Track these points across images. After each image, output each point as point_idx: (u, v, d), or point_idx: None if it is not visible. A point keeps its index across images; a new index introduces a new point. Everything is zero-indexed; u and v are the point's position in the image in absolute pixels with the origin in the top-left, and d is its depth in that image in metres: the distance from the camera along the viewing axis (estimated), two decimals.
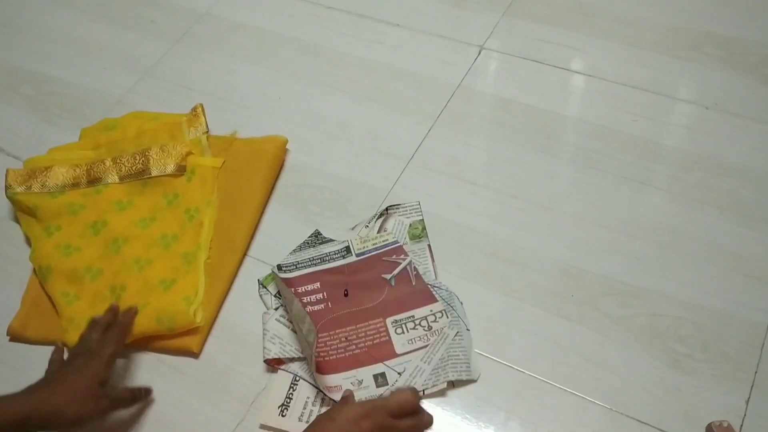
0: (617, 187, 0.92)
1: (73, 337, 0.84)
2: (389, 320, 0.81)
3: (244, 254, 0.90)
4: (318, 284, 0.84)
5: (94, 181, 0.97)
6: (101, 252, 0.90)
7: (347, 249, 0.87)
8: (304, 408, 0.76)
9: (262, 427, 0.76)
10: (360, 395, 0.75)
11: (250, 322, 0.84)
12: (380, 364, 0.78)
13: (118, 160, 0.98)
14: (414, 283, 0.84)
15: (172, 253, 0.90)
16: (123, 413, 0.77)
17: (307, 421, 0.75)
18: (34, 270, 0.91)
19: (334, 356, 0.78)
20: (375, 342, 0.80)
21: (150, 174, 0.97)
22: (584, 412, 0.74)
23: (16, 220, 0.97)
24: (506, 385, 0.77)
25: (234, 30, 1.20)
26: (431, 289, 0.83)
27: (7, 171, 0.98)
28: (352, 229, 0.91)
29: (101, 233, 0.92)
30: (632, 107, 1.01)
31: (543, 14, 1.15)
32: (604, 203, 0.91)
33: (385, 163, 0.98)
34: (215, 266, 0.88)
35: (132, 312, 0.80)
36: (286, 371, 0.79)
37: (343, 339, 0.80)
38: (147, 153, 0.98)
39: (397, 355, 0.78)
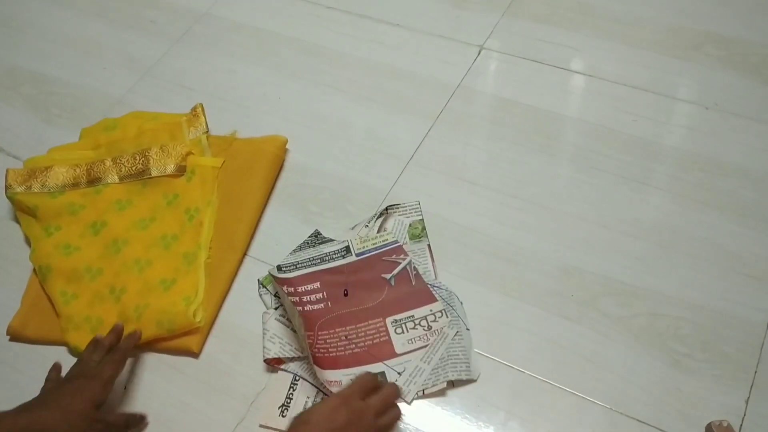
0: (617, 187, 0.92)
1: (72, 336, 0.84)
2: (389, 320, 0.81)
3: (244, 254, 0.90)
4: (318, 284, 0.84)
5: (94, 181, 0.97)
6: (101, 252, 0.90)
7: (347, 249, 0.87)
8: (305, 408, 0.76)
9: (262, 427, 0.76)
10: None
11: (250, 322, 0.84)
12: (380, 364, 0.78)
13: (118, 161, 0.98)
14: (414, 283, 0.84)
15: (173, 253, 0.90)
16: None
17: None
18: (34, 270, 0.91)
19: (334, 353, 0.78)
20: (375, 342, 0.80)
21: (150, 174, 0.97)
22: (584, 412, 0.75)
23: (16, 220, 0.97)
24: (506, 385, 0.77)
25: (234, 30, 1.20)
26: (431, 289, 0.83)
27: (7, 171, 0.98)
28: (352, 228, 0.91)
29: (101, 233, 0.92)
30: (632, 107, 1.01)
31: (543, 14, 1.15)
32: (604, 203, 0.91)
33: (385, 163, 0.98)
34: (215, 266, 0.88)
35: (136, 336, 0.80)
36: (286, 371, 0.79)
37: (343, 338, 0.80)
38: (147, 153, 0.98)
39: (397, 355, 0.78)
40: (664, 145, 0.96)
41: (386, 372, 0.77)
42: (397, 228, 0.90)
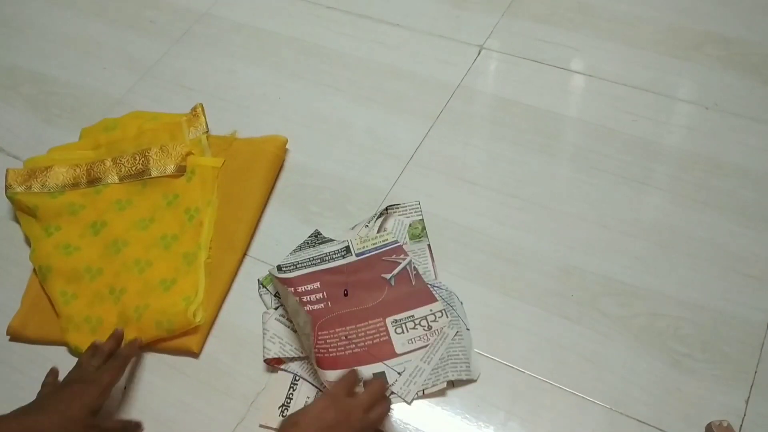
0: (617, 187, 0.92)
1: (72, 336, 0.84)
2: (389, 320, 0.81)
3: (244, 254, 0.90)
4: (318, 284, 0.84)
5: (94, 181, 0.97)
6: (101, 252, 0.90)
7: (347, 249, 0.87)
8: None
9: (262, 427, 0.76)
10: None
11: (250, 322, 0.84)
12: (380, 364, 0.78)
13: (118, 161, 0.98)
14: (414, 283, 0.84)
15: (173, 253, 0.90)
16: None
17: None
18: (34, 270, 0.91)
19: (334, 353, 0.78)
20: (375, 341, 0.80)
21: (150, 175, 0.97)
22: (584, 412, 0.75)
23: (16, 220, 0.97)
24: (506, 384, 0.77)
25: (234, 30, 1.20)
26: (431, 289, 0.83)
27: (7, 171, 0.98)
28: (352, 228, 0.91)
29: (101, 233, 0.92)
30: (632, 107, 1.01)
31: (543, 14, 1.15)
32: (604, 203, 0.91)
33: (385, 163, 0.98)
34: (215, 266, 0.88)
35: (137, 344, 0.80)
36: (286, 371, 0.79)
37: (343, 338, 0.80)
38: (147, 153, 0.98)
39: (397, 355, 0.78)
40: (664, 145, 0.96)
41: (386, 372, 0.77)
42: (397, 228, 0.90)
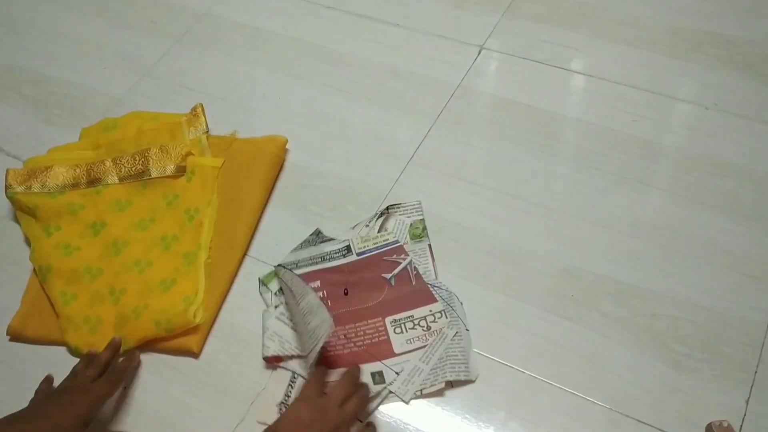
0: (617, 187, 0.92)
1: (72, 337, 0.84)
2: (388, 319, 0.81)
3: (244, 254, 0.90)
4: (318, 283, 0.84)
5: (94, 181, 0.97)
6: (101, 252, 0.90)
7: (348, 248, 0.87)
8: None
9: (261, 424, 0.76)
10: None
11: (250, 322, 0.84)
12: (378, 363, 0.78)
13: (118, 161, 0.98)
14: (414, 283, 0.84)
15: (173, 253, 0.90)
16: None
17: None
18: (34, 270, 0.91)
19: (333, 353, 0.78)
20: (374, 341, 0.80)
21: (150, 175, 0.97)
22: (584, 412, 0.75)
23: (16, 220, 0.97)
24: (506, 384, 0.77)
25: (234, 30, 1.20)
26: (431, 289, 0.83)
27: (7, 171, 0.98)
28: (353, 228, 0.91)
29: (101, 234, 0.92)
30: (632, 107, 1.01)
31: (543, 14, 1.15)
32: (604, 203, 0.91)
33: (385, 163, 0.98)
34: (215, 266, 0.88)
35: (135, 358, 0.80)
36: (286, 368, 0.79)
37: (342, 337, 0.80)
38: (147, 154, 0.98)
39: (396, 355, 0.78)
40: (664, 145, 0.96)
41: (384, 371, 0.77)
42: (398, 228, 0.90)
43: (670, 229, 0.87)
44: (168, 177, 0.96)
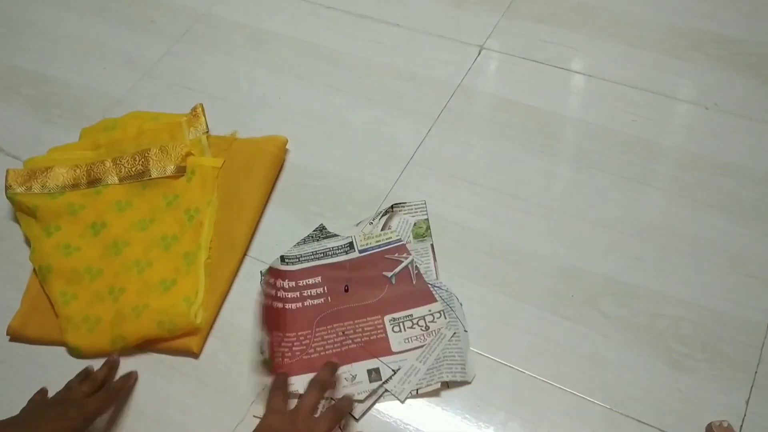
0: (617, 187, 0.92)
1: (71, 336, 0.84)
2: (387, 318, 0.81)
3: (244, 254, 0.90)
4: (319, 278, 0.84)
5: (94, 181, 0.97)
6: (101, 252, 0.90)
7: (350, 245, 0.87)
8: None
9: (256, 417, 0.76)
10: (353, 390, 0.76)
11: (250, 322, 0.84)
12: (374, 360, 0.78)
13: (118, 161, 0.98)
14: (414, 283, 0.84)
15: (173, 253, 0.90)
16: None
17: None
18: (34, 270, 0.91)
19: (331, 350, 0.79)
20: (371, 338, 0.80)
21: (150, 176, 0.97)
22: (584, 412, 0.75)
23: (16, 220, 0.97)
24: (506, 385, 0.77)
25: (234, 30, 1.20)
26: (431, 289, 0.83)
27: (7, 171, 0.98)
28: (357, 225, 0.91)
29: (101, 234, 0.92)
30: (632, 107, 1.01)
31: (543, 14, 1.15)
32: (604, 203, 0.91)
33: (385, 163, 0.98)
34: (215, 266, 0.88)
35: (132, 377, 0.79)
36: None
37: (339, 333, 0.80)
38: (147, 154, 0.98)
39: (393, 353, 0.78)
40: (664, 145, 0.96)
41: (381, 368, 0.77)
42: (401, 226, 0.90)
43: (670, 229, 0.87)
44: (168, 177, 0.96)
